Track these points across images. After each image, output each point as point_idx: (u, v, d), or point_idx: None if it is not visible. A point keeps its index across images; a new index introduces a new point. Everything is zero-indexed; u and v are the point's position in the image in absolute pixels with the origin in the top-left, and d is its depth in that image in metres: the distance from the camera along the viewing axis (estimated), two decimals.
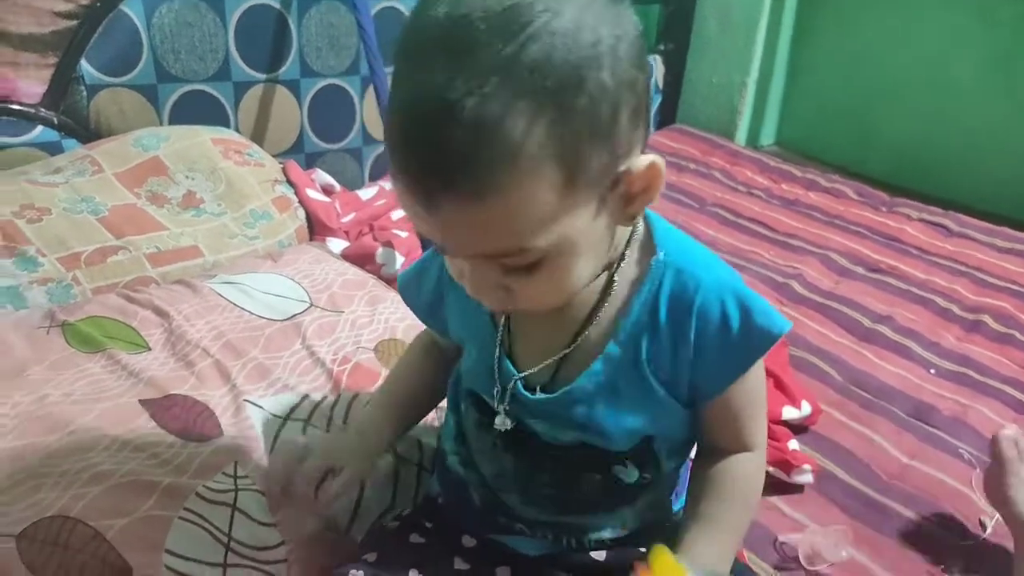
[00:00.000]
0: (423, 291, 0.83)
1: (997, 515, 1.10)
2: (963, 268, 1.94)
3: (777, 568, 1.02)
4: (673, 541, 0.72)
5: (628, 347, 0.70)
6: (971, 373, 1.48)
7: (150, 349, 1.08)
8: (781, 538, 1.05)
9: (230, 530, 0.87)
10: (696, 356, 0.69)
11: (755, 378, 0.73)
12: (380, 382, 0.97)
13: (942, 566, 1.03)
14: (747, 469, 0.76)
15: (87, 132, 1.60)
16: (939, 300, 1.76)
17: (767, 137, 3.10)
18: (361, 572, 0.80)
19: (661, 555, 0.59)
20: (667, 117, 2.92)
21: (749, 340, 0.69)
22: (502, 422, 0.74)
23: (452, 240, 0.58)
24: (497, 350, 0.74)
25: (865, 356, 1.51)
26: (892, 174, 2.65)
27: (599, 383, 0.71)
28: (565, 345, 0.71)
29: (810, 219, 2.18)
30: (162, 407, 0.97)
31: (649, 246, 0.71)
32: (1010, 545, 1.04)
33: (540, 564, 0.80)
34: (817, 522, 1.07)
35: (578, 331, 0.71)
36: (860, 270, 1.89)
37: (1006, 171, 2.51)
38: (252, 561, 0.86)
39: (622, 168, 0.59)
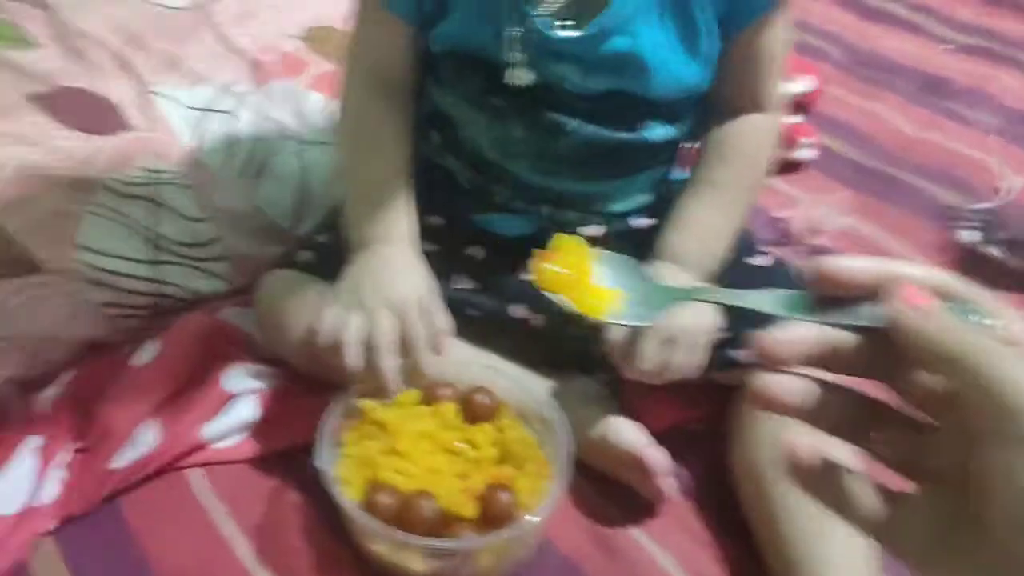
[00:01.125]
0: None
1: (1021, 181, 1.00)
2: None
3: (774, 245, 0.93)
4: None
5: None
6: (991, 44, 1.33)
7: (39, 46, 0.91)
8: (777, 214, 0.96)
9: (155, 226, 0.76)
10: None
11: (784, 28, 0.65)
12: (351, 154, 0.68)
13: (953, 230, 0.95)
14: (758, 129, 0.68)
15: None
16: None
17: None
18: (310, 253, 0.71)
19: (562, 238, 0.42)
20: None
21: None
22: (519, 75, 0.61)
23: None
24: None
25: (873, 34, 1.35)
26: None
27: (638, 3, 0.59)
28: None
29: None
30: (56, 102, 0.83)
31: None
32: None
33: (519, 244, 0.70)
34: (818, 196, 0.98)
35: None
36: None
37: None
38: (185, 258, 0.77)
39: None
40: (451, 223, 0.71)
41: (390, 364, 0.58)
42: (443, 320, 0.61)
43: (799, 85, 1.11)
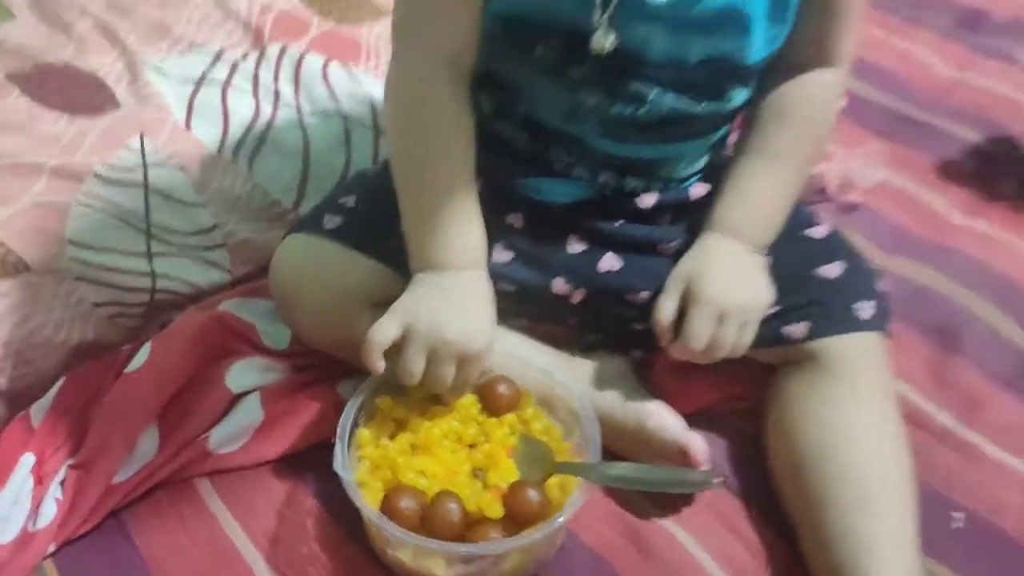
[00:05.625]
0: None
1: None
2: None
3: (806, 204, 0.88)
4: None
5: None
6: None
7: (14, 16, 0.86)
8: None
9: (147, 214, 0.72)
10: None
11: None
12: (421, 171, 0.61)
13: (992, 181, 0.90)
14: (825, 87, 0.64)
15: None
16: None
17: None
18: (337, 218, 0.65)
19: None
20: None
21: None
22: (602, 40, 0.56)
23: None
24: None
25: None
26: None
27: None
28: None
29: None
30: (37, 80, 0.78)
31: None
32: None
33: (563, 212, 0.65)
34: (849, 149, 0.92)
35: None
36: None
37: None
38: (182, 248, 0.73)
39: None
40: (490, 186, 0.64)
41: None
42: (490, 363, 0.59)
43: None
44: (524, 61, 0.59)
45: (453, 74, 0.59)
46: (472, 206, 0.60)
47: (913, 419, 0.67)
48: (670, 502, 0.63)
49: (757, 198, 0.62)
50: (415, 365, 0.56)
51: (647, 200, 0.65)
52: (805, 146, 0.64)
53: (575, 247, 0.65)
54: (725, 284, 0.59)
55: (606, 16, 0.55)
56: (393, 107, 0.62)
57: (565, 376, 0.63)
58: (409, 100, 0.60)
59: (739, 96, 0.62)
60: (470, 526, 0.54)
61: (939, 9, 1.16)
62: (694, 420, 0.64)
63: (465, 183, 0.59)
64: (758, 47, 0.58)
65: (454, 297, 0.57)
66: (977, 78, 1.04)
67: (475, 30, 0.59)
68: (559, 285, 0.65)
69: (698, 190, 0.66)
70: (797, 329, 0.62)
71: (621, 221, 0.65)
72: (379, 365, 0.56)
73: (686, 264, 0.61)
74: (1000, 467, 0.65)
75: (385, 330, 0.56)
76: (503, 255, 0.65)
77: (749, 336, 0.60)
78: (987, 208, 0.87)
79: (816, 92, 0.63)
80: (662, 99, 0.59)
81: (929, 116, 0.98)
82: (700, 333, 0.58)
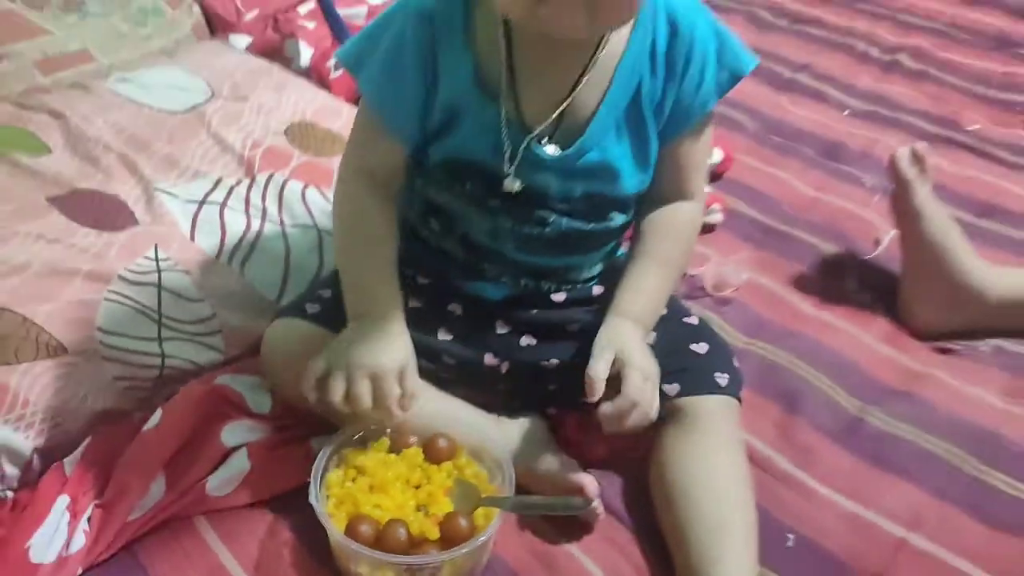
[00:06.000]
0: (404, 82, 0.74)
1: (892, 232, 1.16)
2: (885, 11, 1.92)
3: (687, 298, 1.08)
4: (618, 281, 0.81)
5: (628, 86, 0.74)
6: (882, 110, 1.51)
7: (51, 151, 1.05)
8: (689, 272, 1.11)
9: (160, 307, 0.90)
10: (680, 93, 0.75)
11: (707, 131, 0.80)
12: (340, 233, 0.82)
13: (837, 280, 1.11)
14: (687, 214, 0.83)
15: None
16: (859, 44, 1.76)
17: None
18: (316, 305, 0.81)
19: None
20: None
21: (720, 79, 0.76)
22: (511, 184, 0.75)
23: None
24: (503, 110, 0.73)
25: (782, 104, 1.53)
26: None
27: (605, 125, 0.75)
28: (567, 92, 0.74)
29: None
30: (71, 203, 0.97)
31: None
32: (897, 264, 1.10)
33: (494, 304, 0.83)
34: (724, 256, 1.14)
35: (579, 76, 0.73)
36: (783, 23, 1.87)
37: None
38: (187, 334, 0.90)
39: None
40: (436, 283, 0.84)
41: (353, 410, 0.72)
42: (414, 386, 0.74)
43: (710, 158, 1.28)
44: (458, 194, 0.80)
45: (381, 194, 0.78)
46: (392, 283, 0.77)
47: (761, 464, 0.84)
48: (574, 532, 0.78)
49: (646, 292, 0.80)
50: (336, 386, 0.70)
51: (559, 297, 0.85)
52: (676, 254, 0.83)
53: (501, 329, 0.85)
54: (643, 354, 0.75)
55: (513, 167, 0.76)
56: (336, 215, 0.83)
57: (493, 433, 0.80)
58: (346, 211, 0.80)
59: (619, 219, 0.82)
60: (414, 545, 0.69)
61: (805, 143, 1.41)
62: (595, 465, 0.80)
63: (384, 265, 0.77)
64: (629, 186, 0.79)
65: (367, 334, 0.73)
66: (833, 198, 1.27)
67: (401, 164, 0.79)
68: (489, 359, 0.83)
69: (597, 290, 0.86)
70: (671, 388, 0.79)
71: (536, 310, 0.85)
72: (311, 393, 0.72)
73: (608, 336, 0.74)
74: (827, 502, 0.81)
75: (315, 364, 0.72)
76: (446, 336, 0.83)
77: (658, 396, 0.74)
78: (832, 303, 1.07)
79: (680, 218, 0.82)
80: (560, 222, 0.79)
81: (792, 229, 1.19)
82: (639, 388, 0.71)
